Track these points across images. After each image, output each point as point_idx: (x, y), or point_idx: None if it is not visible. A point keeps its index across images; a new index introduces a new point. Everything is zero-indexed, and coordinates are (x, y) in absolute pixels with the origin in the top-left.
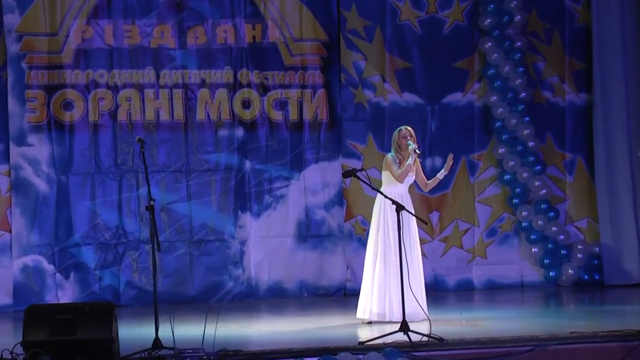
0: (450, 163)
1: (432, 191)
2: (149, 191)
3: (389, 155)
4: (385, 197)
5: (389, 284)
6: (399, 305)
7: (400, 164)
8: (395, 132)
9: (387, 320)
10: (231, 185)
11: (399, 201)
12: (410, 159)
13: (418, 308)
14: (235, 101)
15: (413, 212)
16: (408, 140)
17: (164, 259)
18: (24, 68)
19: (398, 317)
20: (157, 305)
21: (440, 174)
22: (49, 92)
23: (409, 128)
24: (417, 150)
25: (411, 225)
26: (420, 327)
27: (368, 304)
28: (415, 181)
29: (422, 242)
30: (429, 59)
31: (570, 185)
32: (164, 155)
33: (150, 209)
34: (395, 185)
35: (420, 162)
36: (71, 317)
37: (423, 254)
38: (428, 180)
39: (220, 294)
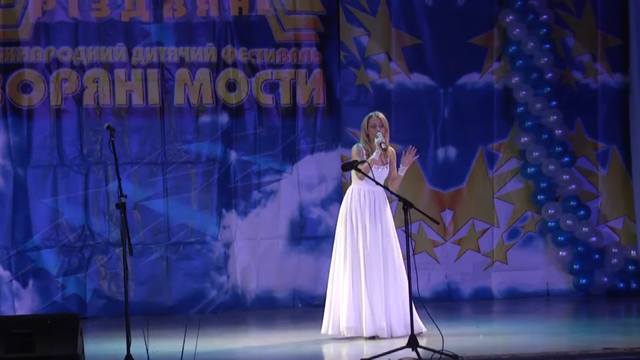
0: (412, 156)
1: (444, 187)
2: (119, 186)
3: (356, 146)
4: (392, 193)
5: (368, 292)
6: (383, 318)
7: (366, 157)
8: (365, 120)
9: (366, 335)
10: (214, 179)
11: (370, 200)
12: (375, 153)
13: (400, 319)
14: (219, 83)
15: (385, 214)
16: (377, 130)
17: (137, 264)
18: None
19: (374, 331)
20: (129, 317)
21: (401, 170)
22: (4, 72)
23: (380, 115)
24: (382, 145)
25: (388, 219)
26: (432, 343)
27: (337, 316)
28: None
29: (434, 244)
30: (442, 34)
31: (603, 180)
32: (136, 145)
33: (121, 206)
34: (366, 181)
35: (393, 153)
36: (30, 331)
37: (435, 259)
38: None
39: (202, 304)
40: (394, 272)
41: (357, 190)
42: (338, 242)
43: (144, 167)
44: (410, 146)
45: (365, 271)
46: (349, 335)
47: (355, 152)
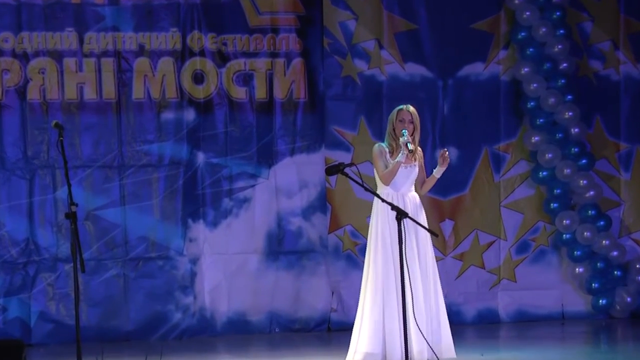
0: (447, 155)
1: (444, 193)
2: (69, 193)
3: (378, 146)
4: (383, 200)
5: (391, 315)
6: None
7: (391, 155)
8: (393, 112)
9: None
10: (179, 185)
11: (400, 206)
12: (400, 154)
13: (426, 346)
14: (184, 74)
15: (419, 221)
16: (404, 127)
17: (90, 283)
18: None
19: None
20: (81, 344)
21: (437, 172)
22: None
23: (412, 109)
24: (408, 145)
25: (420, 235)
26: None
27: (362, 341)
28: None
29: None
30: (441, 18)
31: (626, 185)
32: (89, 146)
33: (72, 216)
34: (395, 183)
35: (420, 153)
36: None
37: None
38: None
39: (165, 329)
40: (432, 290)
41: (384, 195)
42: (372, 256)
43: (98, 171)
44: (444, 149)
45: (399, 289)
46: None
47: (377, 153)
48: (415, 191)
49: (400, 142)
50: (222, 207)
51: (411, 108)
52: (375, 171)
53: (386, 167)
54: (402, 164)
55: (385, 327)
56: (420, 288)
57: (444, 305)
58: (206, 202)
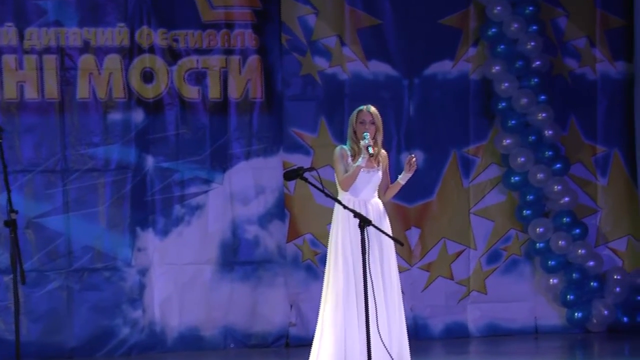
0: (413, 161)
1: (409, 199)
2: (9, 199)
3: (339, 148)
4: (345, 207)
5: (352, 330)
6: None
7: (353, 159)
8: (353, 114)
9: None
10: (127, 191)
11: (362, 213)
12: (361, 158)
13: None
14: (133, 72)
15: (383, 229)
16: (366, 129)
17: (31, 296)
18: None
19: None
20: None
21: (402, 178)
22: None
23: (372, 110)
24: (369, 149)
25: (383, 244)
26: None
27: (322, 357)
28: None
29: (398, 269)
30: (406, 13)
31: (603, 191)
32: (30, 149)
33: (11, 224)
34: (355, 188)
35: (385, 156)
36: None
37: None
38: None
39: (111, 344)
40: (395, 303)
41: (345, 201)
42: (332, 264)
43: (40, 176)
44: (410, 154)
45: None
46: None
47: (338, 156)
48: (379, 197)
49: (360, 145)
50: (173, 215)
51: (372, 108)
52: (335, 176)
53: (346, 171)
54: (363, 168)
55: (347, 342)
56: (383, 301)
57: (404, 318)
58: (156, 209)
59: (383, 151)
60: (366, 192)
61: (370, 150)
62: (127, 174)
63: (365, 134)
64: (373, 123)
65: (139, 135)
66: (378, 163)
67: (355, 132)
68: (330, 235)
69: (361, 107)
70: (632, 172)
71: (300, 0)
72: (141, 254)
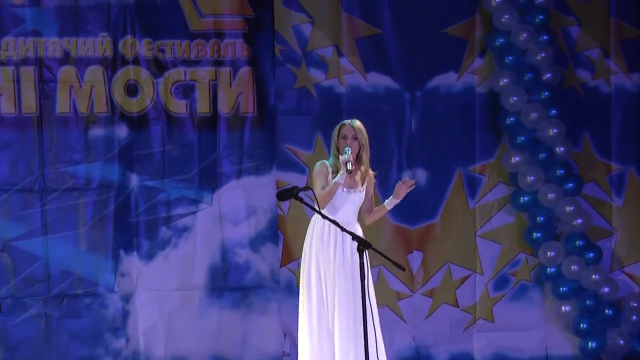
0: (409, 186)
1: (411, 221)
2: None
3: (320, 163)
4: (343, 229)
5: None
6: None
7: (333, 176)
8: (336, 129)
9: None
10: (109, 211)
11: (335, 237)
12: (339, 175)
13: None
14: (116, 85)
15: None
16: (347, 144)
17: (7, 324)
18: None
19: None
20: None
21: (388, 203)
22: None
23: (357, 124)
24: (348, 165)
25: (352, 253)
26: None
27: None
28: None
29: (399, 296)
30: (408, 22)
31: (618, 212)
32: (6, 167)
33: None
34: (333, 208)
35: (372, 176)
36: None
37: (399, 315)
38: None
39: None
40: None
41: (320, 224)
42: (306, 278)
43: (16, 196)
44: (406, 177)
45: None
46: None
47: (317, 172)
48: (361, 218)
49: (340, 161)
50: (159, 237)
51: (356, 123)
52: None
53: (323, 187)
54: (343, 187)
55: None
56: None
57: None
58: (140, 232)
59: (371, 172)
60: (344, 211)
61: (349, 166)
62: (110, 193)
63: (346, 148)
64: (355, 138)
65: (123, 152)
66: (363, 184)
67: (338, 148)
68: (303, 255)
69: (344, 121)
70: None
71: (295, 8)
72: (124, 279)
